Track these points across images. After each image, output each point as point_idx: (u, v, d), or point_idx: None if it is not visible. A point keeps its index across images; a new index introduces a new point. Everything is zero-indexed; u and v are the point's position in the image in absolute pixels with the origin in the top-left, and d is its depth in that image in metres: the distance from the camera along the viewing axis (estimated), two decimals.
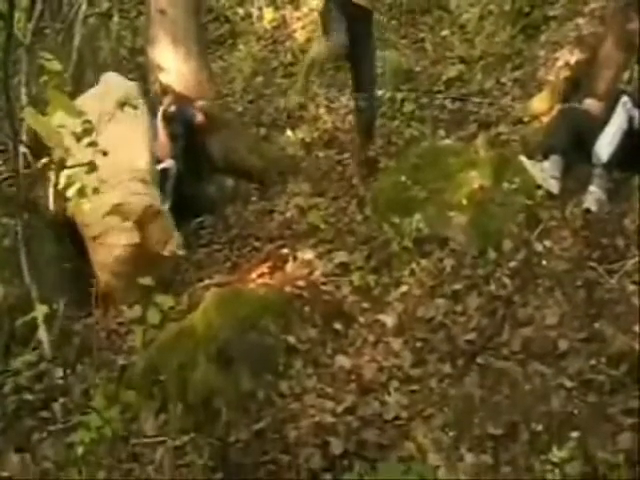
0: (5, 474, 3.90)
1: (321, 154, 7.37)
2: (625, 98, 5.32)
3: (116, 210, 5.38)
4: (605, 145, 5.32)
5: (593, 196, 5.23)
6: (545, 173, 5.39)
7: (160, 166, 6.22)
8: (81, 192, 5.00)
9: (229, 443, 3.96)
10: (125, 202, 5.44)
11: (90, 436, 3.94)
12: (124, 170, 5.54)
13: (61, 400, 4.35)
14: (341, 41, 5.87)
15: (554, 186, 5.35)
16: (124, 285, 5.36)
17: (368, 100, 6.46)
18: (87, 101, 5.69)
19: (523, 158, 5.56)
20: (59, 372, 4.52)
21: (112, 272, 5.43)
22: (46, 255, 5.50)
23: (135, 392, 4.20)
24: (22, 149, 5.70)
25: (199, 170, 6.75)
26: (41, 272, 5.04)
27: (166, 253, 5.64)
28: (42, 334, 4.55)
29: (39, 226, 5.66)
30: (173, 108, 6.70)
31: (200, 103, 6.83)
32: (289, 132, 7.74)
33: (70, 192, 5.13)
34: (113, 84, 6.16)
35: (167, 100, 6.73)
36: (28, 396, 4.42)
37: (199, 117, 6.75)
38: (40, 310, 4.51)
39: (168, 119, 6.64)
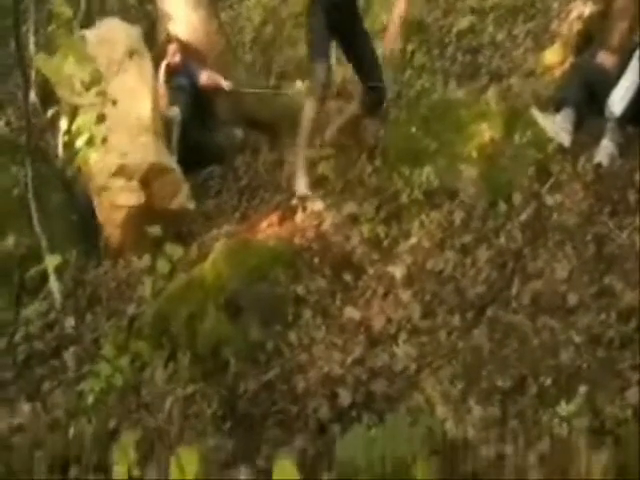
0: (17, 422, 3.93)
1: (331, 104, 7.32)
2: None
3: (121, 171, 5.35)
4: (618, 99, 5.27)
5: (605, 150, 5.20)
6: (557, 126, 5.36)
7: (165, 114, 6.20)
8: (90, 142, 5.00)
9: (238, 393, 3.98)
10: (130, 161, 5.40)
11: (100, 385, 3.97)
12: (130, 120, 5.50)
13: (71, 349, 4.37)
14: (321, 80, 5.72)
15: (566, 139, 5.31)
16: (130, 238, 5.36)
17: (375, 88, 6.27)
18: (94, 48, 5.63)
19: (535, 111, 5.52)
20: (69, 321, 4.53)
21: (117, 226, 5.42)
22: (56, 205, 5.50)
23: (145, 342, 4.22)
24: (32, 98, 5.68)
25: (206, 120, 6.71)
26: (51, 222, 5.04)
27: (174, 207, 5.62)
28: (53, 284, 4.56)
29: (49, 176, 5.65)
30: (177, 59, 6.65)
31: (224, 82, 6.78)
32: (299, 83, 7.68)
33: (79, 142, 5.13)
34: (118, 30, 6.06)
35: (172, 50, 6.67)
36: (39, 345, 4.44)
37: (203, 77, 6.69)
38: (50, 260, 4.52)
39: (171, 70, 6.60)
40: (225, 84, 6.75)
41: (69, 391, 4.09)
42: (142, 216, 5.36)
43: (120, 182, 5.36)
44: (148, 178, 5.48)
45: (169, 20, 6.81)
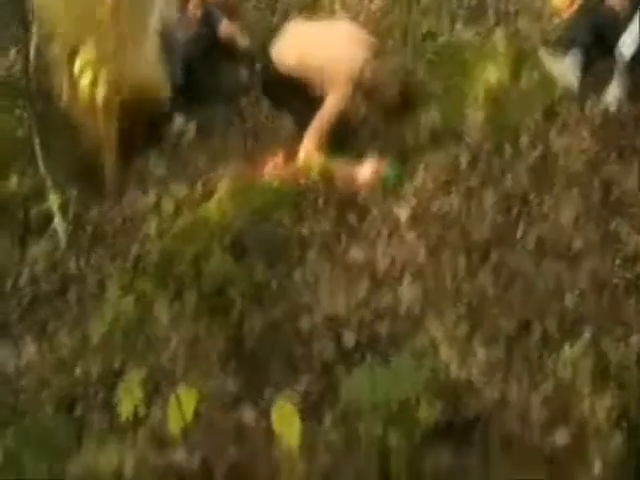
0: (23, 362, 3.94)
1: None
2: None
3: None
4: (628, 43, 5.23)
5: (613, 94, 5.18)
6: (564, 69, 5.32)
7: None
8: (94, 81, 4.97)
9: (243, 332, 3.99)
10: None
11: (105, 325, 3.98)
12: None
13: (76, 289, 4.37)
14: None
15: (574, 82, 5.28)
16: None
17: None
18: None
19: (542, 53, 5.47)
20: (74, 262, 4.53)
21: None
22: (60, 145, 5.47)
23: (149, 281, 4.22)
24: (33, 38, 5.62)
25: (214, 59, 6.63)
26: (55, 162, 5.02)
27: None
28: (57, 223, 4.55)
29: (52, 116, 5.62)
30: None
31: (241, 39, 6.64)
32: None
33: (83, 81, 5.10)
34: None
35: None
36: (44, 286, 4.44)
37: (223, 27, 6.58)
38: (54, 199, 4.51)
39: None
40: (242, 41, 6.63)
41: (74, 331, 4.09)
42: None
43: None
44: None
45: None
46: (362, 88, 5.08)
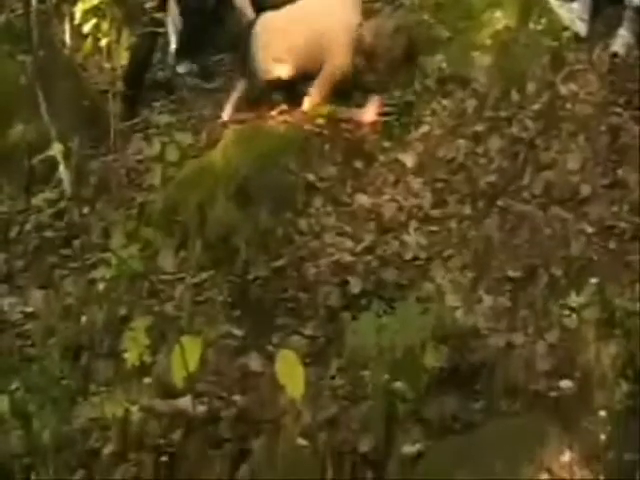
0: (29, 310, 3.95)
1: None
2: None
3: None
4: None
5: (622, 40, 5.12)
6: (573, 14, 5.25)
7: None
8: (97, 28, 4.92)
9: (248, 280, 3.99)
10: None
11: (110, 273, 3.97)
12: None
13: (82, 237, 4.37)
14: None
15: (582, 28, 5.22)
16: None
17: None
18: None
19: None
20: (79, 210, 4.52)
21: None
22: (64, 93, 5.43)
23: (154, 229, 4.21)
24: None
25: (217, 5, 6.54)
26: (59, 110, 4.99)
27: None
28: (62, 172, 4.52)
29: (56, 63, 5.58)
30: None
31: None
32: None
33: (86, 28, 5.05)
34: None
35: None
36: (49, 234, 4.44)
37: None
38: (57, 147, 4.49)
39: None
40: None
41: (80, 279, 4.10)
42: None
43: None
44: None
45: None
46: (362, 51, 4.99)
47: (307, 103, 4.96)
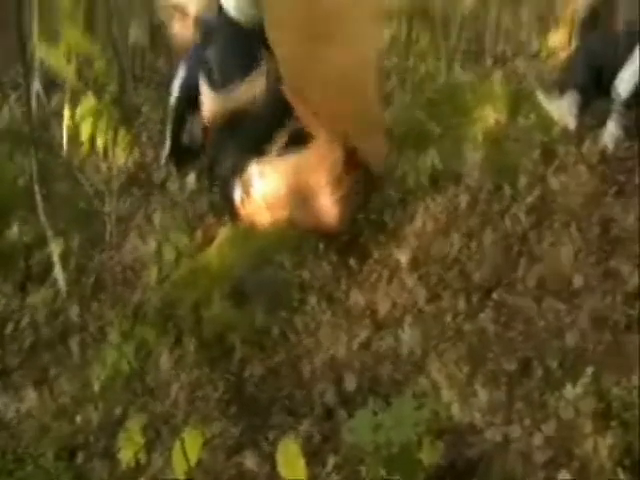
0: (23, 408, 3.93)
1: None
2: None
3: None
4: (625, 81, 5.28)
5: (611, 133, 5.21)
6: (562, 109, 5.35)
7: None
8: (94, 130, 4.99)
9: (244, 378, 3.98)
10: None
11: (106, 372, 3.97)
12: None
13: (77, 336, 4.37)
14: None
15: (571, 122, 5.31)
16: None
17: None
18: None
19: (540, 94, 5.51)
20: (75, 309, 4.53)
21: None
22: (61, 194, 5.50)
23: (150, 328, 4.22)
24: (35, 86, 5.68)
25: None
26: (56, 211, 5.04)
27: None
28: (58, 271, 4.56)
29: (54, 164, 5.65)
30: None
31: None
32: None
33: (83, 129, 5.13)
34: None
35: None
36: (45, 332, 4.45)
37: None
38: (55, 247, 4.52)
39: None
40: None
41: (75, 378, 4.09)
42: None
43: None
44: None
45: (174, 8, 6.76)
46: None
47: None
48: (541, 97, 5.51)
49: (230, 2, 5.07)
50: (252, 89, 5.01)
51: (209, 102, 5.17)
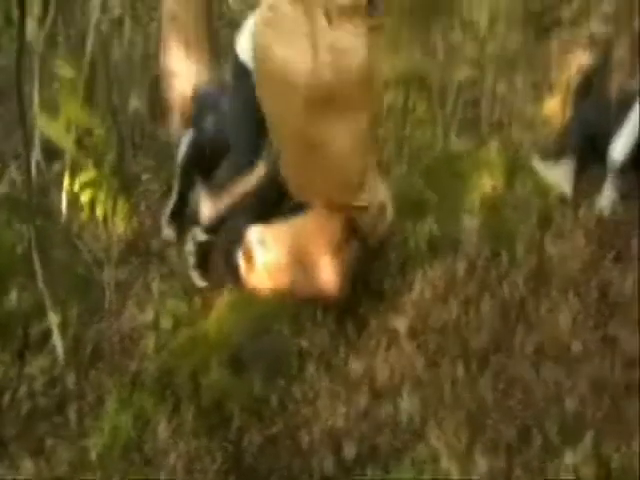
0: (20, 479, 3.90)
1: None
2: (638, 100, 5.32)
3: None
4: (619, 147, 5.33)
5: (607, 198, 5.25)
6: (559, 176, 5.39)
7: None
8: (94, 198, 5.03)
9: (242, 447, 3.96)
10: None
11: (103, 441, 3.95)
12: None
13: (75, 405, 4.35)
14: None
15: (567, 188, 5.34)
16: None
17: None
18: None
19: (536, 161, 5.55)
20: (73, 378, 4.52)
21: None
22: (59, 261, 5.50)
23: (148, 396, 4.21)
24: (35, 155, 5.72)
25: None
26: (54, 278, 5.04)
27: None
28: (56, 340, 4.55)
29: (52, 232, 5.67)
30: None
31: None
32: None
33: (83, 198, 5.17)
34: None
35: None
36: (42, 401, 4.43)
37: None
38: (53, 317, 4.52)
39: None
40: None
41: (73, 447, 4.06)
42: None
43: None
44: None
45: (173, 77, 6.85)
46: None
47: None
48: (537, 164, 5.55)
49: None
50: (251, 181, 5.05)
51: (206, 209, 5.24)
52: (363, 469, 3.75)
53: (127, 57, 8.71)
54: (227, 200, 5.12)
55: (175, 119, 6.58)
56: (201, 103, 5.84)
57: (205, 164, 5.70)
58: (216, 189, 5.23)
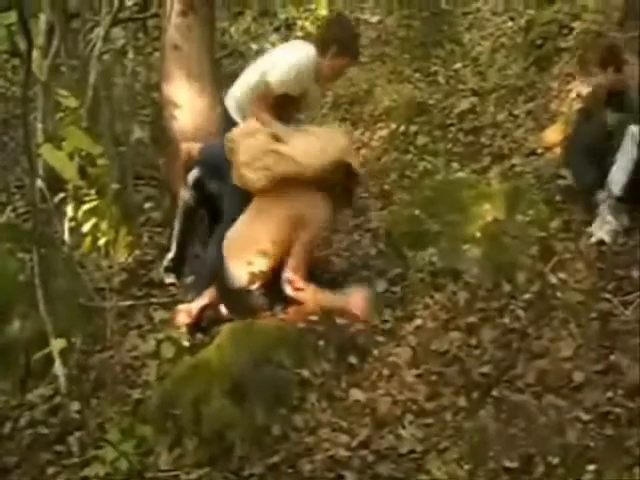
0: None
1: None
2: (634, 128, 5.34)
3: None
4: (618, 177, 5.36)
5: (607, 227, 5.26)
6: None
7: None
8: (96, 227, 5.05)
9: (243, 477, 3.95)
10: None
11: (105, 470, 3.95)
12: None
13: (76, 434, 4.35)
14: None
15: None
16: None
17: None
18: None
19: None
20: (74, 406, 4.52)
21: None
22: (62, 290, 5.52)
23: (150, 426, 4.21)
24: (39, 184, 5.74)
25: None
26: (56, 307, 5.05)
27: None
28: (58, 368, 4.54)
29: (55, 261, 5.69)
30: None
31: None
32: None
33: (85, 227, 5.19)
34: None
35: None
36: (43, 430, 4.43)
37: None
38: (55, 345, 4.53)
39: None
40: None
41: (74, 476, 4.06)
42: None
43: None
44: None
45: (175, 107, 6.86)
46: None
47: (290, 290, 5.06)
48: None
49: None
50: None
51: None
52: None
53: (130, 87, 8.77)
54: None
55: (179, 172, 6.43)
56: (206, 166, 5.85)
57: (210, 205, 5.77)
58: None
